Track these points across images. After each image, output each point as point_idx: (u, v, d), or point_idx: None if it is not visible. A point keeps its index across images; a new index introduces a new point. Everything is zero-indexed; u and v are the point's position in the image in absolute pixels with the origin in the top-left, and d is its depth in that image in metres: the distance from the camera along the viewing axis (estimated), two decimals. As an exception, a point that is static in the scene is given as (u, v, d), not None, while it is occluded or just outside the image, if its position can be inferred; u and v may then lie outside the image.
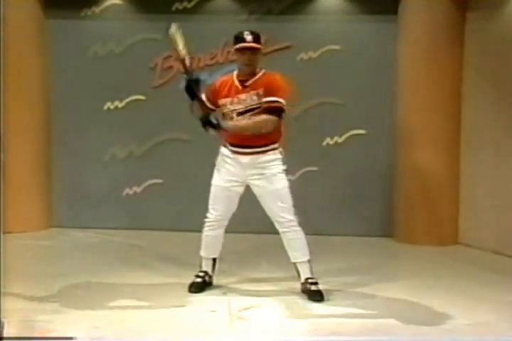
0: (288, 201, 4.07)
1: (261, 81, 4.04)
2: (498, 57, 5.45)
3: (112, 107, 6.34)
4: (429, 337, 3.46)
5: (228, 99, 4.07)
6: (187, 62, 4.04)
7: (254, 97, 4.01)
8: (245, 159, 4.07)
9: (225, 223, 4.27)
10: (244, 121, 4.01)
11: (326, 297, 4.06)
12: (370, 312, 3.85)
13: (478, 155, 5.67)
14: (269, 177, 4.06)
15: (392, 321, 3.67)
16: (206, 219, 4.26)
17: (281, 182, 4.08)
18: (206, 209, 4.25)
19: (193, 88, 3.99)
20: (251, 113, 4.01)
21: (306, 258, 4.14)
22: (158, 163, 6.33)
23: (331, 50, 6.13)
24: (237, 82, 4.08)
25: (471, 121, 5.74)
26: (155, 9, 6.21)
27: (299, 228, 4.10)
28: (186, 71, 4.06)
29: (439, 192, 5.83)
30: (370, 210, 6.16)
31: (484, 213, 5.63)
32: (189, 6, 6.22)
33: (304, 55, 6.14)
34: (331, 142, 6.18)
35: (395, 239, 6.02)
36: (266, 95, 3.97)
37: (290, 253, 4.16)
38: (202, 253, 4.33)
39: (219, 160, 4.21)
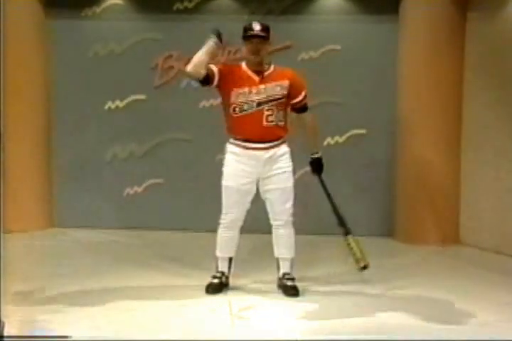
0: (291, 201, 4.13)
1: (277, 73, 4.10)
2: (499, 57, 5.45)
3: (112, 107, 6.34)
4: (429, 337, 3.45)
5: (245, 89, 4.01)
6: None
7: (278, 88, 4.05)
8: (265, 154, 4.04)
9: (241, 223, 4.21)
10: (311, 116, 4.26)
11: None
12: (370, 312, 3.83)
13: (479, 155, 5.67)
14: (281, 174, 4.09)
15: (392, 321, 3.67)
16: (221, 221, 4.18)
17: (290, 181, 4.13)
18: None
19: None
20: (274, 103, 4.03)
21: (291, 255, 4.19)
22: (159, 162, 6.33)
23: (331, 50, 6.14)
24: (251, 73, 4.06)
25: (472, 120, 5.74)
26: (156, 9, 6.22)
27: (291, 226, 4.17)
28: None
29: (440, 192, 5.82)
30: (370, 210, 6.16)
31: (485, 213, 5.62)
32: (190, 5, 6.23)
33: (304, 55, 6.14)
34: (331, 142, 6.18)
35: (395, 238, 6.02)
36: (293, 91, 4.09)
37: (276, 249, 4.20)
38: (218, 253, 4.25)
39: (229, 160, 4.10)
